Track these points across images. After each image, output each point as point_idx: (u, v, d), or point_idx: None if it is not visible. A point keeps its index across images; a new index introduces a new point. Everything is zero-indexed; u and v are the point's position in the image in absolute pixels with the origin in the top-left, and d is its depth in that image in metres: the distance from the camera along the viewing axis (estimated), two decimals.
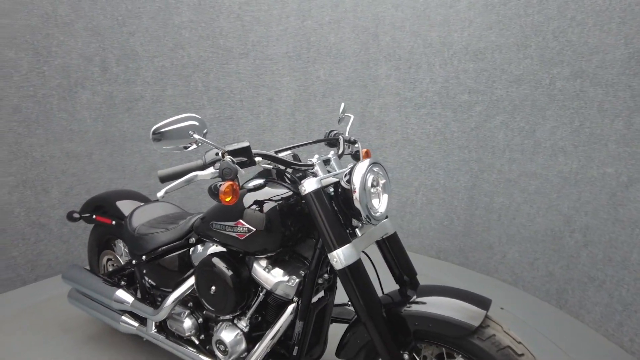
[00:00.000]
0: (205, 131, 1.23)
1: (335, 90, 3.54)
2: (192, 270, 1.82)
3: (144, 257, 1.92)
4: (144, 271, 1.96)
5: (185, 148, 1.22)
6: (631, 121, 2.11)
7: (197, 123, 1.21)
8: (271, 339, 1.51)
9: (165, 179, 1.23)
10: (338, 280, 1.55)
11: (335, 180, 1.40)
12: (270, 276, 1.49)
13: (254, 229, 1.41)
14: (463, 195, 3.14)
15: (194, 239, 1.80)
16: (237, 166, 1.18)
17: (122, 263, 2.33)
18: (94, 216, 2.26)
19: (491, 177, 2.95)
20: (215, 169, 1.19)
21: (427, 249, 3.42)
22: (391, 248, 1.47)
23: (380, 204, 1.37)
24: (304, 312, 1.47)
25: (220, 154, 1.22)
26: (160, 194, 1.13)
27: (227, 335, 1.60)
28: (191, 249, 1.79)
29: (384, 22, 3.28)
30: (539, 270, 2.72)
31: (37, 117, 2.90)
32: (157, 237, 1.88)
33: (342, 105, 1.82)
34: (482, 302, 1.24)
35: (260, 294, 1.58)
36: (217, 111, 3.59)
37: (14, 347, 2.22)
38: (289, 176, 1.50)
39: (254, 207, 1.43)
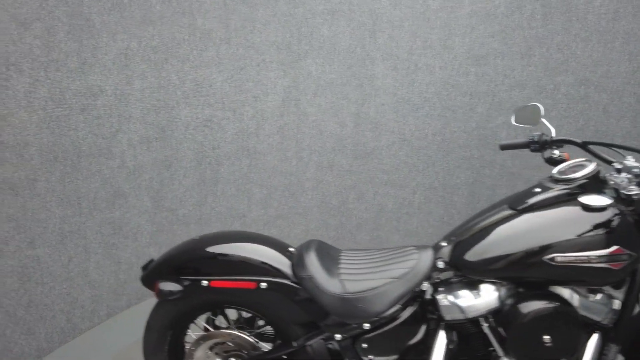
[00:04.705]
0: None
1: (328, 89, 3.18)
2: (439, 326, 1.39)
3: (366, 325, 1.34)
4: (364, 346, 1.36)
5: None
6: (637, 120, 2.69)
7: None
8: None
9: None
10: None
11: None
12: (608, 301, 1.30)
13: (635, 254, 1.20)
14: (464, 191, 3.34)
15: (427, 284, 1.38)
16: None
17: (253, 343, 1.49)
18: (203, 282, 1.40)
19: (493, 172, 3.24)
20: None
21: None
22: None
23: None
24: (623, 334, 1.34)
25: None
26: None
27: None
28: (444, 298, 1.35)
29: (382, 20, 3.14)
30: None
31: None
32: (387, 291, 1.33)
33: (541, 106, 1.69)
34: None
35: None
36: (194, 111, 2.72)
37: None
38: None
39: (618, 226, 1.21)
